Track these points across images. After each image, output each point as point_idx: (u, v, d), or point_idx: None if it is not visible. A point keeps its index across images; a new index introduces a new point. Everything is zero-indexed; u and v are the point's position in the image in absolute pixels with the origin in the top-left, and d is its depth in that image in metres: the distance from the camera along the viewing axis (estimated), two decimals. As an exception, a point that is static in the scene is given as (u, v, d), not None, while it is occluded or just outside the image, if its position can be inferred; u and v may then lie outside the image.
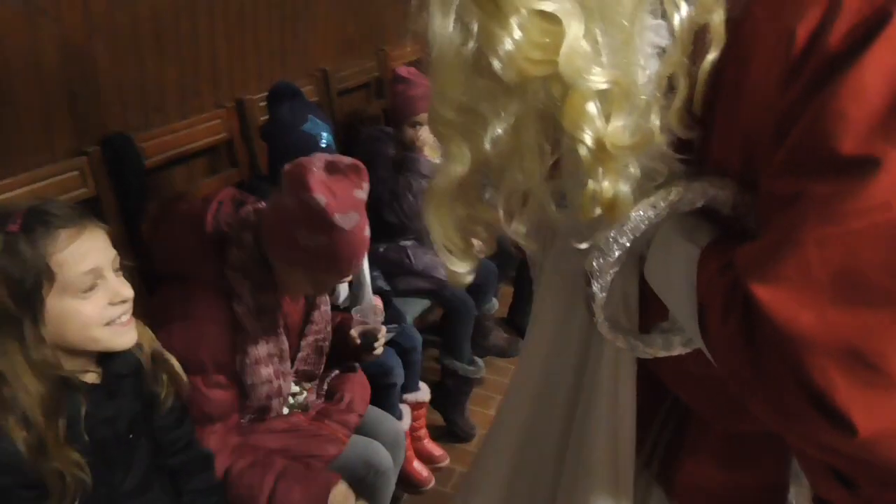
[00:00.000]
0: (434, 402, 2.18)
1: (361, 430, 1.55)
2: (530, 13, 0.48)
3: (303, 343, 1.49)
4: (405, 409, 1.94)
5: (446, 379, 2.24)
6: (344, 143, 2.17)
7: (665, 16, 0.53)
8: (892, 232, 0.44)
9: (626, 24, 0.50)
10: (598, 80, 0.49)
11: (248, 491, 1.30)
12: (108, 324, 1.04)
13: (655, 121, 0.53)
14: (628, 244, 0.59)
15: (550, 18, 0.48)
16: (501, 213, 0.60)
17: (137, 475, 1.11)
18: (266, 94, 1.90)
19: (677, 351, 0.65)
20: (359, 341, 1.56)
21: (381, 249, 2.09)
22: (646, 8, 0.52)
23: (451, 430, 2.26)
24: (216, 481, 1.28)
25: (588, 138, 0.51)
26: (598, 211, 0.54)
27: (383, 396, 1.80)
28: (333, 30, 2.56)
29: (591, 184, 0.53)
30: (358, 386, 1.59)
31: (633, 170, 0.54)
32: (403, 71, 2.17)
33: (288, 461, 1.35)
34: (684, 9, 0.52)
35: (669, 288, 0.62)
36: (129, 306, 1.07)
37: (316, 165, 1.27)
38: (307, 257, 1.30)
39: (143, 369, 1.13)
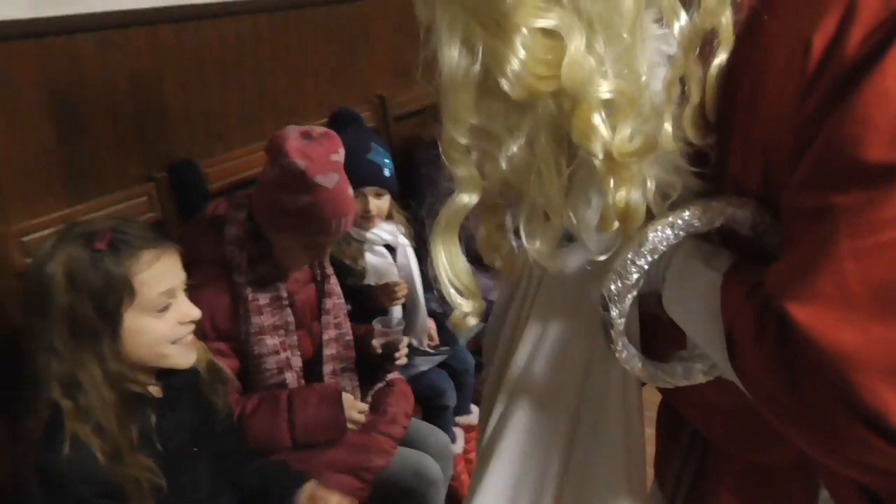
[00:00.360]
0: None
1: (410, 442, 1.57)
2: (532, 31, 0.49)
3: (325, 338, 1.54)
4: (458, 433, 1.95)
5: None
6: (400, 167, 2.22)
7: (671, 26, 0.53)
8: None
9: (626, 36, 0.50)
10: (602, 90, 0.50)
11: (267, 425, 1.38)
12: (175, 342, 1.10)
13: (667, 127, 0.53)
14: (646, 266, 0.58)
15: (552, 35, 0.49)
16: (524, 234, 0.59)
17: (206, 482, 1.17)
18: (324, 120, 1.96)
19: (699, 379, 0.63)
20: (380, 351, 1.58)
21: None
22: (648, 18, 0.52)
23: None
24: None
25: (597, 149, 0.51)
26: (615, 224, 0.54)
27: (436, 418, 1.82)
28: (390, 56, 2.62)
29: (608, 196, 0.53)
30: (401, 397, 1.62)
31: (649, 182, 0.54)
32: None
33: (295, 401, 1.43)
34: (683, 17, 0.52)
35: (690, 316, 0.60)
36: (193, 326, 1.13)
37: (291, 135, 1.38)
38: (294, 220, 1.38)
39: (200, 381, 1.18)
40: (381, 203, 1.82)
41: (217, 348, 1.35)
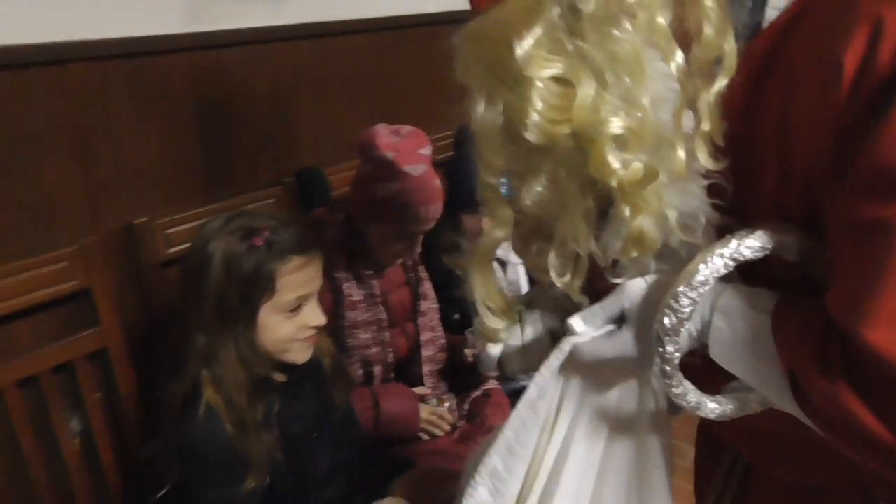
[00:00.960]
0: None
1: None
2: (545, 81, 0.53)
3: (423, 339, 1.61)
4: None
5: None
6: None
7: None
8: None
9: (628, 77, 0.54)
10: (611, 127, 0.54)
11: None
12: (296, 341, 1.18)
13: (681, 155, 0.56)
14: (699, 299, 0.58)
15: (563, 81, 0.54)
16: (553, 269, 0.63)
17: (323, 467, 1.25)
18: (447, 133, 2.03)
19: (753, 411, 0.63)
20: (471, 360, 1.61)
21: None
22: (651, 58, 0.55)
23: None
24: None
25: (614, 180, 0.55)
26: (633, 253, 0.57)
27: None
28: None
29: (626, 224, 0.57)
30: (497, 409, 1.64)
31: (670, 213, 0.57)
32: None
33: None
34: (679, 56, 0.56)
35: (742, 360, 0.60)
36: (316, 331, 1.21)
37: (382, 132, 1.49)
38: (385, 209, 1.45)
39: (322, 374, 1.25)
40: (494, 220, 1.86)
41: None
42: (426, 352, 1.62)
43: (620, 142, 0.55)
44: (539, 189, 0.60)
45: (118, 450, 1.49)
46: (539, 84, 0.54)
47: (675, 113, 0.57)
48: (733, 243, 0.57)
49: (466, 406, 1.65)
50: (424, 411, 1.53)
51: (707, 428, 0.77)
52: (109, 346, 1.45)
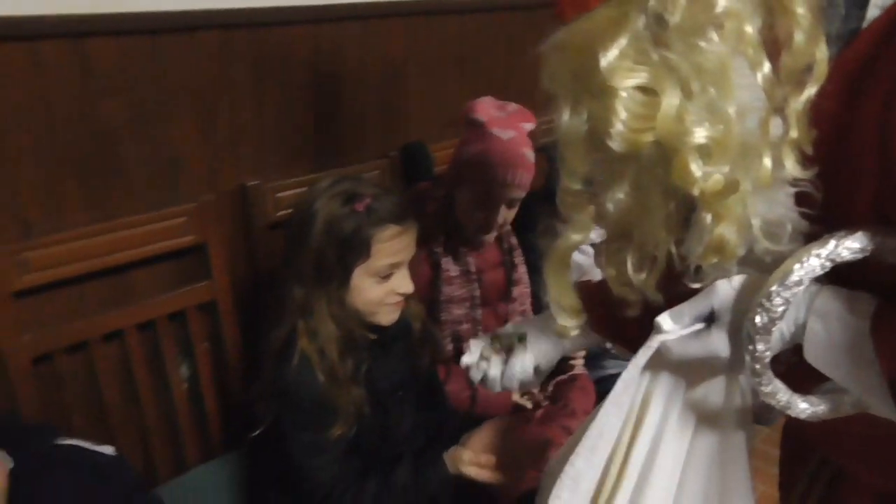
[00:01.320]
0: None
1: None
2: (629, 91, 0.54)
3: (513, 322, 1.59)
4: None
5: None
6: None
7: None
8: None
9: (713, 87, 0.54)
10: (695, 137, 0.54)
11: (453, 394, 1.50)
12: (385, 304, 1.23)
13: (767, 164, 0.56)
14: (792, 299, 0.57)
15: (647, 91, 0.54)
16: (630, 266, 0.65)
17: (408, 425, 1.31)
18: (551, 118, 2.02)
19: (846, 413, 0.62)
20: None
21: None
22: (738, 67, 0.55)
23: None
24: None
25: (695, 189, 0.55)
26: (714, 259, 0.58)
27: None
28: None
29: (707, 232, 0.57)
30: (582, 393, 1.64)
31: (755, 221, 0.57)
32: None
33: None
34: (766, 66, 0.55)
35: (836, 363, 0.59)
36: (403, 297, 1.25)
37: (485, 101, 1.52)
38: (468, 169, 1.46)
39: (412, 337, 1.30)
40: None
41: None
42: None
43: (704, 151, 0.55)
44: (621, 195, 0.62)
45: (221, 396, 1.59)
46: (623, 94, 0.55)
47: (762, 121, 0.57)
48: (831, 244, 0.56)
49: (550, 388, 1.66)
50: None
51: (794, 429, 0.77)
52: (219, 299, 1.55)
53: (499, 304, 1.65)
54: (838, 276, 0.58)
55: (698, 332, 0.67)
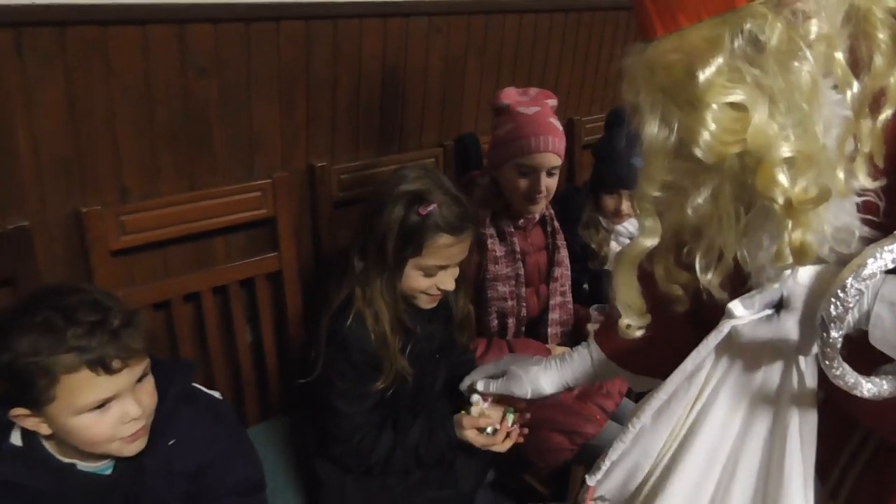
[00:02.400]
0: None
1: (621, 419, 1.69)
2: (721, 106, 0.60)
3: (552, 303, 1.74)
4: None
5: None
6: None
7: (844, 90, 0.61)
8: None
9: (804, 105, 0.60)
10: (784, 151, 0.60)
11: None
12: (426, 294, 1.35)
13: (840, 176, 0.62)
14: (864, 290, 0.63)
15: (738, 107, 0.60)
16: (698, 267, 0.71)
17: (440, 384, 1.46)
18: (597, 116, 2.12)
19: None
20: (591, 332, 1.70)
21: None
22: (825, 86, 0.61)
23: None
24: None
25: (779, 198, 0.61)
26: (789, 259, 0.64)
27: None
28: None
29: (785, 236, 0.63)
30: (617, 375, 1.74)
31: (827, 227, 0.63)
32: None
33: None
34: (856, 86, 0.61)
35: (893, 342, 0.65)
36: (442, 292, 1.37)
37: (508, 89, 1.69)
38: (504, 148, 1.62)
39: (452, 314, 1.44)
40: (631, 204, 1.94)
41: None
42: (553, 315, 1.74)
43: (790, 163, 0.60)
44: (700, 201, 0.68)
45: (282, 360, 1.73)
46: (714, 108, 0.60)
47: (841, 137, 0.63)
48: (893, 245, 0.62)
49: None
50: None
51: (835, 406, 0.81)
52: (285, 270, 1.68)
53: (540, 286, 1.75)
54: None
55: (768, 317, 0.74)
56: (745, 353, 0.81)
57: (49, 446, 0.98)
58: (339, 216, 1.76)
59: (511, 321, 1.68)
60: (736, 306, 0.74)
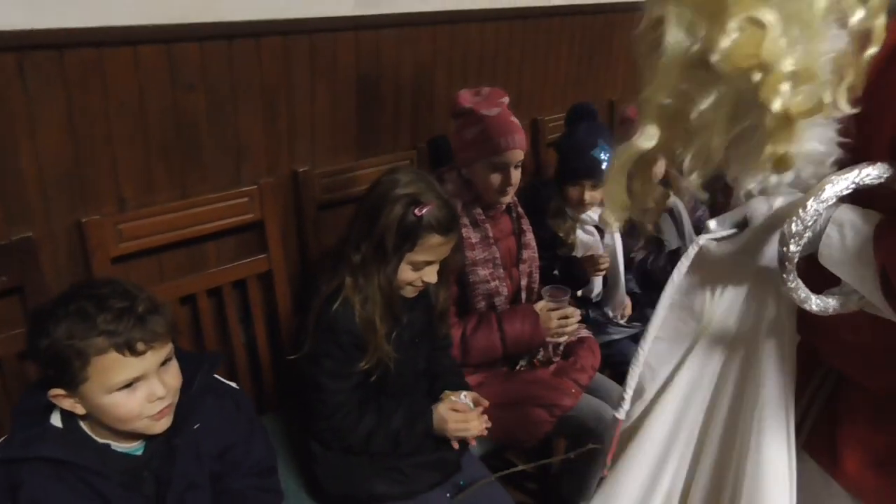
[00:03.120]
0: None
1: (595, 392, 1.82)
2: (743, 20, 0.68)
3: (522, 283, 1.87)
4: (639, 402, 2.16)
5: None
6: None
7: (844, 25, 0.70)
8: None
9: (814, 27, 0.68)
10: (789, 64, 0.68)
11: (484, 340, 1.75)
12: (412, 286, 1.48)
13: (829, 97, 0.70)
14: (822, 211, 0.73)
15: (757, 23, 0.68)
16: (686, 168, 0.79)
17: (419, 367, 1.59)
18: (558, 115, 2.26)
19: (851, 309, 0.79)
20: (540, 309, 1.81)
21: (640, 258, 2.32)
22: (832, 19, 0.69)
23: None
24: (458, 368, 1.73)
25: (778, 106, 0.69)
26: (768, 167, 0.72)
27: (622, 381, 2.04)
28: (623, 66, 2.86)
29: (769, 146, 0.71)
30: (589, 351, 1.88)
31: (808, 145, 0.71)
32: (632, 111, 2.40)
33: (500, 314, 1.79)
34: (859, 14, 0.70)
35: (845, 264, 0.75)
36: (426, 286, 1.50)
37: (463, 93, 1.83)
38: (475, 148, 1.75)
39: (432, 303, 1.57)
40: (594, 193, 2.05)
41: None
42: (524, 295, 1.87)
43: (793, 77, 0.68)
44: (703, 108, 0.73)
45: (274, 356, 1.83)
46: (738, 21, 0.67)
47: (836, 64, 0.70)
48: (856, 170, 0.72)
49: (562, 347, 1.89)
50: (552, 320, 1.77)
51: (806, 346, 0.90)
52: (274, 270, 1.78)
53: (512, 269, 1.88)
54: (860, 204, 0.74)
55: (734, 235, 0.85)
56: (718, 269, 0.90)
57: (85, 427, 1.08)
58: (322, 217, 1.87)
59: (499, 301, 1.80)
60: (711, 222, 0.86)
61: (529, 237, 1.90)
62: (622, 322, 2.12)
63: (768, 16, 0.67)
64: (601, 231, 2.11)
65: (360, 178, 1.91)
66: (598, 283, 2.08)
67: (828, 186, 0.72)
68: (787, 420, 0.90)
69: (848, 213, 0.75)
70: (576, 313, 1.82)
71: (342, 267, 1.45)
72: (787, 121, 0.69)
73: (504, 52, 2.30)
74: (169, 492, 1.08)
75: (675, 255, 2.28)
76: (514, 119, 1.80)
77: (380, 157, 2.00)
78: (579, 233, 2.08)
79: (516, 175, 1.78)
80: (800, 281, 0.78)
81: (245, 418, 1.23)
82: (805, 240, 0.74)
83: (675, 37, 0.71)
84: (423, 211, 1.39)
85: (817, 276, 0.79)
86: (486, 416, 1.53)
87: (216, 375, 1.23)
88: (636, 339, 2.11)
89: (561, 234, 2.05)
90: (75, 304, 0.99)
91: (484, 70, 2.25)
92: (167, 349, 1.07)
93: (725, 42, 0.67)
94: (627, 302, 2.13)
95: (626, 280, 2.13)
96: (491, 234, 1.81)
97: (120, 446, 1.09)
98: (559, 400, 1.73)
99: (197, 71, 1.56)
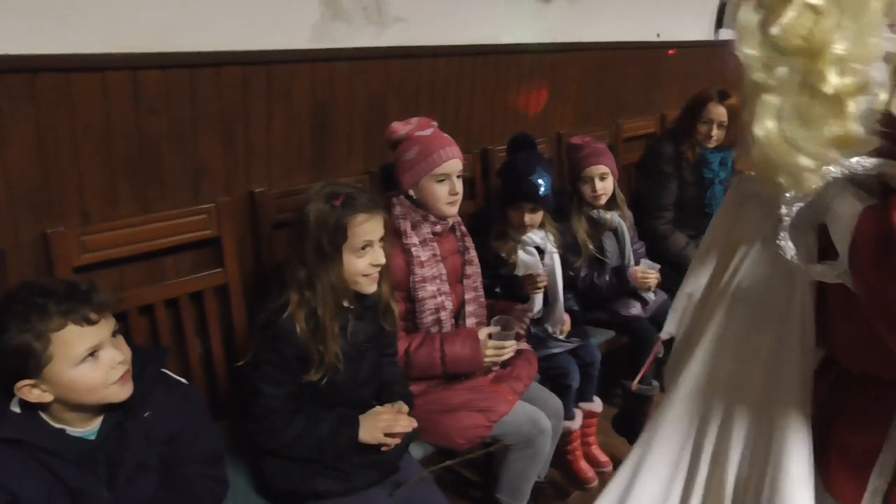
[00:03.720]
0: (618, 429, 2.52)
1: (531, 400, 1.94)
2: (800, 6, 0.73)
3: (467, 297, 1.99)
4: (578, 413, 2.29)
5: (624, 399, 2.54)
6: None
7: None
8: None
9: (866, 21, 0.72)
10: (839, 49, 0.70)
11: (425, 357, 1.86)
12: (365, 276, 1.60)
13: (883, 97, 0.74)
14: (819, 189, 0.77)
15: (813, 9, 0.72)
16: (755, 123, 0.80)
17: (367, 372, 1.68)
18: (501, 147, 2.41)
19: (832, 280, 0.84)
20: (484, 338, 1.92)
21: (582, 275, 2.46)
22: (884, 22, 0.74)
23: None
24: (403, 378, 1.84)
25: (828, 88, 0.71)
26: (838, 149, 0.75)
27: (561, 396, 2.16)
28: (575, 100, 3.03)
29: (825, 128, 0.73)
30: (526, 362, 2.01)
31: (856, 126, 0.74)
32: (577, 140, 2.58)
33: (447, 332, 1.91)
34: None
35: (838, 232, 0.80)
36: (379, 268, 1.63)
37: (395, 124, 1.96)
38: (418, 167, 1.89)
39: (379, 307, 1.67)
40: (534, 216, 2.20)
41: (397, 297, 1.84)
42: (469, 308, 1.99)
43: (840, 62, 0.69)
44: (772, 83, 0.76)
45: (229, 365, 1.93)
46: (797, 4, 0.71)
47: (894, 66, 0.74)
48: (853, 160, 0.75)
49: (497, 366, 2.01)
50: (487, 348, 1.89)
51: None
52: (230, 283, 1.90)
53: (457, 285, 2.01)
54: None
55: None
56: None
57: (44, 415, 1.18)
58: (277, 236, 1.99)
59: (444, 314, 1.93)
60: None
61: (473, 254, 2.03)
62: (561, 337, 2.25)
63: (825, 4, 0.72)
64: (541, 252, 2.25)
65: (315, 200, 2.04)
66: (538, 301, 2.22)
67: (833, 166, 0.78)
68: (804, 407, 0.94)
69: (848, 194, 0.80)
70: (513, 347, 1.94)
71: (288, 285, 1.58)
72: (838, 100, 0.71)
73: (455, 85, 2.46)
74: (119, 471, 1.18)
75: (619, 271, 2.44)
76: (446, 135, 1.95)
77: (334, 178, 2.13)
78: (520, 253, 2.22)
79: (460, 185, 1.93)
80: (790, 242, 0.84)
81: (193, 409, 1.34)
82: (797, 207, 0.82)
83: (745, 13, 0.77)
84: (340, 200, 1.54)
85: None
86: (412, 419, 1.65)
87: (167, 371, 1.33)
88: (574, 353, 2.26)
89: (503, 255, 2.19)
90: (20, 300, 1.11)
91: (435, 102, 2.41)
92: (113, 322, 1.20)
93: (786, 18, 0.73)
94: (566, 318, 2.27)
95: (566, 299, 2.27)
96: (438, 252, 1.94)
97: (75, 431, 1.20)
98: (496, 406, 1.85)
99: (160, 96, 1.69)
